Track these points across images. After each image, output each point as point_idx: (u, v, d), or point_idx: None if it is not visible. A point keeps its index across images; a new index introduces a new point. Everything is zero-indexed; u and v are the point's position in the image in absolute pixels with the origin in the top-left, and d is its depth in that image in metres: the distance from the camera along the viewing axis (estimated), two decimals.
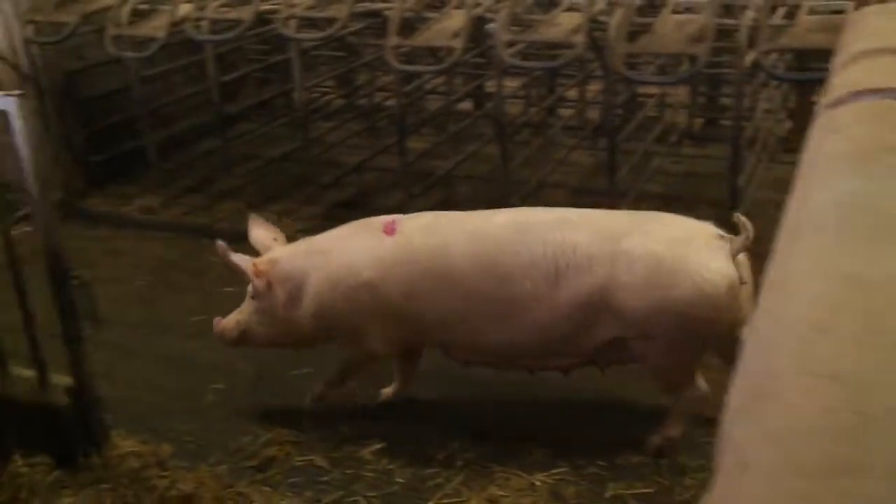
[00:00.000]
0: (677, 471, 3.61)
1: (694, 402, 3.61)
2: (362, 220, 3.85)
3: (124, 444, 3.60)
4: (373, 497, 3.53)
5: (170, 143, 6.99)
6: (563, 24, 4.72)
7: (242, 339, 3.92)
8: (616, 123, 5.35)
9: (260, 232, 3.97)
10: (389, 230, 3.65)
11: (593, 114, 7.22)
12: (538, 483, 3.54)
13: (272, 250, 3.87)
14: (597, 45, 5.28)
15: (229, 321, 3.90)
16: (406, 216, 3.82)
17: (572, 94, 7.32)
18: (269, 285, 3.76)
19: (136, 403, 4.14)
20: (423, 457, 3.73)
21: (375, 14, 5.78)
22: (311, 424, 3.94)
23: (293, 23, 5.36)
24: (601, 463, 3.67)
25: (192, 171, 6.89)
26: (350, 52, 7.55)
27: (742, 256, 3.38)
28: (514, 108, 6.91)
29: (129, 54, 5.85)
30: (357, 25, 6.25)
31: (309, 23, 5.83)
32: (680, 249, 3.33)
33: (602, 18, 4.86)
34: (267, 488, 3.53)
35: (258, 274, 3.74)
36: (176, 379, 4.40)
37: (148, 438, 3.75)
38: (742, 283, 3.34)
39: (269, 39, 7.54)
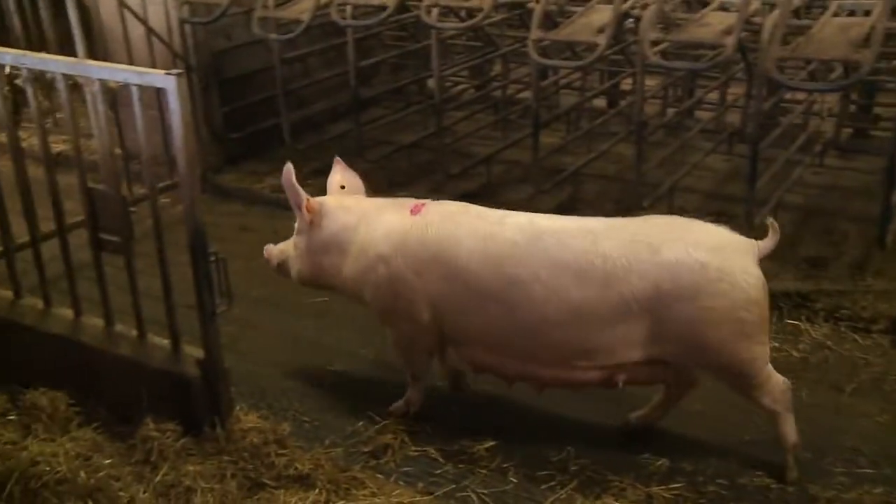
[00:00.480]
0: (805, 499, 3.44)
1: (784, 398, 3.51)
2: (401, 199, 3.94)
3: (247, 418, 3.67)
4: (484, 494, 3.49)
5: (304, 125, 7.15)
6: (714, 23, 4.53)
7: (281, 269, 4.07)
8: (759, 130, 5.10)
9: (336, 177, 4.10)
10: (416, 210, 3.73)
11: (732, 117, 6.98)
12: (655, 496, 3.43)
13: (332, 195, 3.98)
14: (743, 46, 5.06)
15: (275, 248, 4.10)
16: (436, 202, 3.84)
17: (712, 96, 7.08)
18: (311, 224, 3.84)
19: (256, 378, 4.24)
20: (536, 458, 3.68)
21: (518, 5, 5.72)
22: (426, 415, 3.94)
23: (435, 11, 5.36)
24: (722, 482, 3.54)
25: (323, 153, 7.00)
26: (486, 43, 7.51)
27: None
28: (650, 108, 6.73)
29: (274, 36, 5.99)
30: (497, 16, 6.20)
31: (447, 11, 5.82)
32: (719, 255, 3.34)
33: (754, 19, 4.65)
34: (380, 476, 3.55)
35: (308, 209, 3.82)
36: (296, 357, 4.48)
37: (267, 414, 3.83)
38: None
39: (405, 26, 7.60)
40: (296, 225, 3.95)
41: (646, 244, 3.36)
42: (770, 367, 3.50)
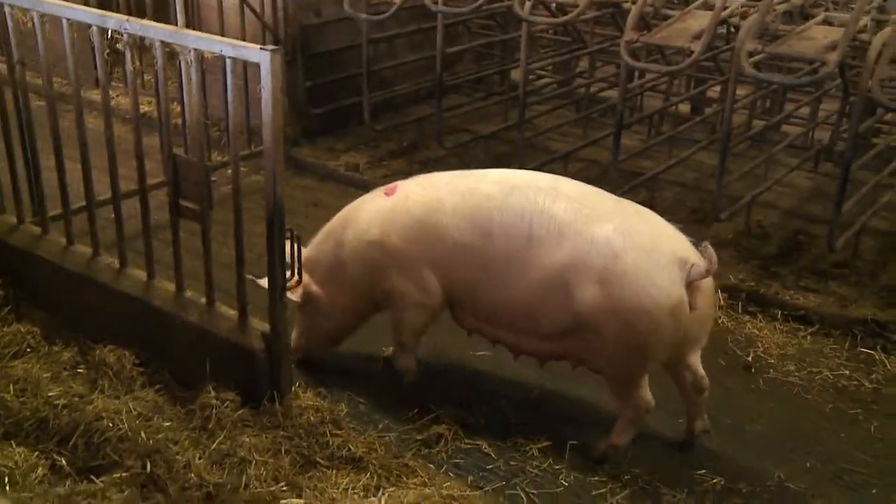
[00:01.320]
0: None
1: (638, 414, 3.60)
2: (370, 192, 4.01)
3: (304, 396, 3.70)
4: (534, 495, 3.47)
5: (384, 106, 7.17)
6: (817, 38, 4.38)
7: (315, 347, 4.12)
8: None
9: None
10: (390, 192, 3.84)
11: (819, 134, 6.78)
12: None
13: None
14: (842, 63, 4.89)
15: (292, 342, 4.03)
16: (406, 180, 3.94)
17: (803, 111, 6.88)
18: (307, 288, 3.86)
19: (316, 355, 4.25)
20: (590, 462, 3.64)
21: (613, 5, 5.62)
22: (482, 408, 3.93)
23: (528, 4, 5.31)
24: None
25: (400, 136, 7.02)
26: (574, 39, 7.42)
27: (708, 284, 3.39)
28: (735, 118, 6.56)
29: (364, 16, 6.00)
30: (589, 14, 6.11)
31: (538, 4, 5.75)
32: (638, 255, 3.32)
33: (859, 36, 4.48)
34: (431, 465, 3.54)
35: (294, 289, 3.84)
36: (356, 338, 4.46)
37: (325, 393, 3.84)
38: (692, 308, 3.33)
39: (494, 15, 7.55)
40: (297, 316, 4.02)
41: (585, 216, 3.42)
42: (645, 385, 3.55)
